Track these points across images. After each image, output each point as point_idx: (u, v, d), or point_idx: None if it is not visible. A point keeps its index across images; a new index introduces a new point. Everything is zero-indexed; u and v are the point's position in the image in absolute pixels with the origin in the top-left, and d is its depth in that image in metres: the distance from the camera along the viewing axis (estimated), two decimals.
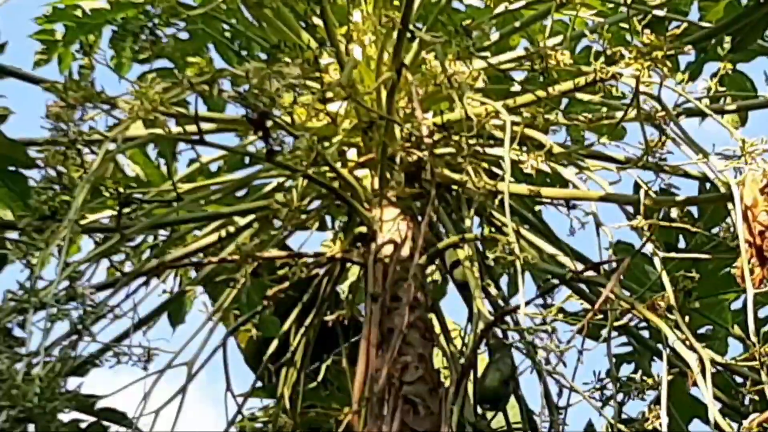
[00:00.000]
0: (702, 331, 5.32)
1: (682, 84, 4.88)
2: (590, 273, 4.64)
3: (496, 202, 4.76)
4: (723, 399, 4.79)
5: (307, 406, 5.06)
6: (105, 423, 4.83)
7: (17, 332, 4.34)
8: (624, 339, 5.33)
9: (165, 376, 4.80)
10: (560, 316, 4.46)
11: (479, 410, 4.66)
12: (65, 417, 4.56)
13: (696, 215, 5.48)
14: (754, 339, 4.27)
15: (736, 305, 5.45)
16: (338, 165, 5.03)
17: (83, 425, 4.90)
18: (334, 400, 5.23)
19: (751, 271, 4.45)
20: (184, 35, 5.85)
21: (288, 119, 4.54)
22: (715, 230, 5.25)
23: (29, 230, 4.35)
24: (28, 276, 4.31)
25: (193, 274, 5.34)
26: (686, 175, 5.11)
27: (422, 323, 4.55)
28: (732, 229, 4.67)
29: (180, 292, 5.34)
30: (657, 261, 4.65)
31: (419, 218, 5.00)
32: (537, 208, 5.57)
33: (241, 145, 5.38)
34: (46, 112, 4.49)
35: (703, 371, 4.29)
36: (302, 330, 5.08)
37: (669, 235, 5.15)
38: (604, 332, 4.62)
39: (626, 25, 5.20)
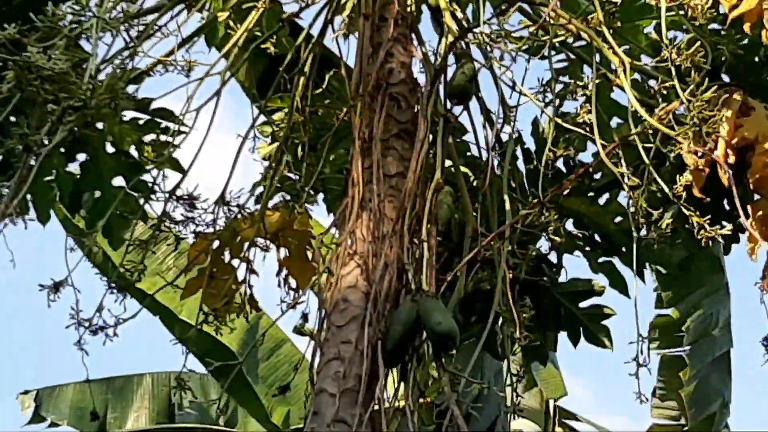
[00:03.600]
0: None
1: None
2: None
3: None
4: (638, 97, 5.04)
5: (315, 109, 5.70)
6: (157, 120, 5.37)
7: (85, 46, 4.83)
8: (562, 56, 5.65)
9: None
10: (512, 36, 5.11)
11: (448, 105, 5.27)
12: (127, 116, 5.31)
13: None
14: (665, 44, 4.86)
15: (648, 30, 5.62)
16: None
17: (140, 122, 5.40)
18: (336, 104, 5.77)
19: None
20: None
21: None
22: None
23: None
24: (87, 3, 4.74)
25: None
26: None
27: (404, 38, 5.25)
28: None
29: (213, 18, 5.74)
30: None
31: None
32: None
33: None
34: None
35: (624, 71, 4.94)
36: (309, 47, 5.65)
37: None
38: (545, 51, 5.32)
39: None
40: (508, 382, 5.33)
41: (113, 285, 5.08)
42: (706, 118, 4.65)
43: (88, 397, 10.39)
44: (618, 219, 5.80)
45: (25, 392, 10.43)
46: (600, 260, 5.93)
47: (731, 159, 5.08)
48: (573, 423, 11.71)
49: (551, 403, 11.63)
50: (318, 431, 4.64)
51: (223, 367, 6.83)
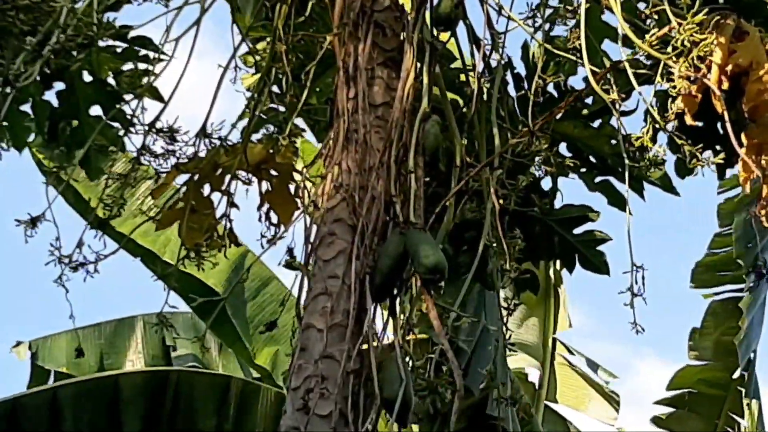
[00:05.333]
0: None
1: None
2: None
3: None
4: (628, 19, 5.12)
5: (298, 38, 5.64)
6: (136, 48, 5.40)
7: None
8: None
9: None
10: None
11: (435, 31, 5.26)
12: (103, 44, 5.32)
13: None
14: None
15: None
16: None
17: (119, 51, 5.42)
18: (321, 32, 5.64)
19: None
20: None
21: None
22: None
23: None
24: None
25: None
26: None
27: None
28: None
29: None
30: None
31: None
32: None
33: None
34: None
35: None
36: None
37: None
38: None
39: None
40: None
41: (92, 222, 5.12)
42: (698, 41, 4.67)
43: (82, 344, 10.44)
44: (613, 142, 5.82)
45: (18, 344, 10.48)
46: (597, 180, 5.96)
47: (725, 85, 5.02)
48: (569, 356, 11.75)
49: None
50: (305, 367, 4.64)
51: (207, 305, 6.86)
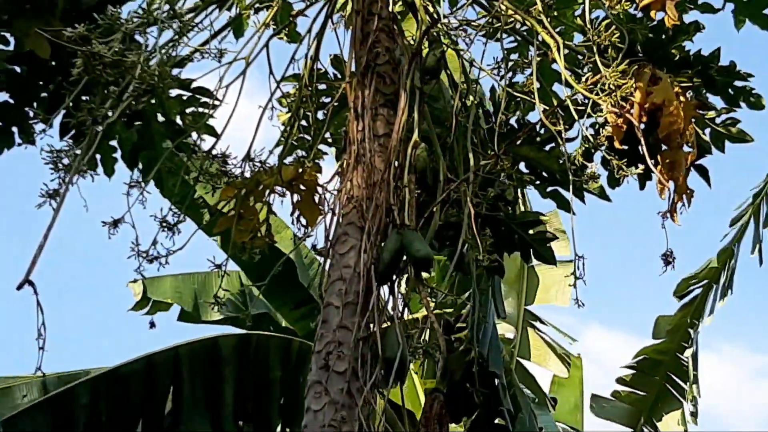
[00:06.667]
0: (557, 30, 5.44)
1: None
2: None
3: None
4: (570, 68, 5.19)
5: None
6: (197, 96, 5.40)
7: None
8: (512, 38, 5.62)
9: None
10: (472, 24, 5.25)
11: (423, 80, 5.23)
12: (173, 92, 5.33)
13: None
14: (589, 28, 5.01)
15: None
16: None
17: (184, 98, 5.43)
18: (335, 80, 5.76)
19: None
20: None
21: None
22: None
23: None
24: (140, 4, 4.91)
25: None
26: None
27: (387, 28, 5.28)
28: None
29: (239, 15, 5.80)
30: None
31: None
32: None
33: None
34: None
35: (558, 50, 5.08)
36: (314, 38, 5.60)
37: None
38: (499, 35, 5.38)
39: None
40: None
41: (164, 223, 5.16)
42: (621, 85, 4.75)
43: (181, 285, 10.44)
44: (560, 161, 5.70)
45: (134, 281, 10.40)
46: (548, 190, 5.91)
47: (644, 118, 5.14)
48: (540, 326, 11.61)
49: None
50: (326, 335, 4.75)
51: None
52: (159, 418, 8.22)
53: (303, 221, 5.46)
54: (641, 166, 5.10)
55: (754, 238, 9.80)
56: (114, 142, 5.54)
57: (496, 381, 6.34)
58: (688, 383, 10.54)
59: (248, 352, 8.54)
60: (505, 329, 10.98)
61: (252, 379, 8.42)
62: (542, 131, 5.50)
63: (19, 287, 4.18)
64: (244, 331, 9.12)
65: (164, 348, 8.42)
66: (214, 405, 8.29)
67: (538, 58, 5.26)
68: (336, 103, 5.69)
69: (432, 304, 4.92)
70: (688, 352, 10.50)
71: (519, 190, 6.04)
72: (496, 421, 6.26)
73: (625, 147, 5.13)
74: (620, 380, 10.81)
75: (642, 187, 5.41)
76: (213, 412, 8.28)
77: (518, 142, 5.43)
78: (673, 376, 10.63)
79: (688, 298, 10.37)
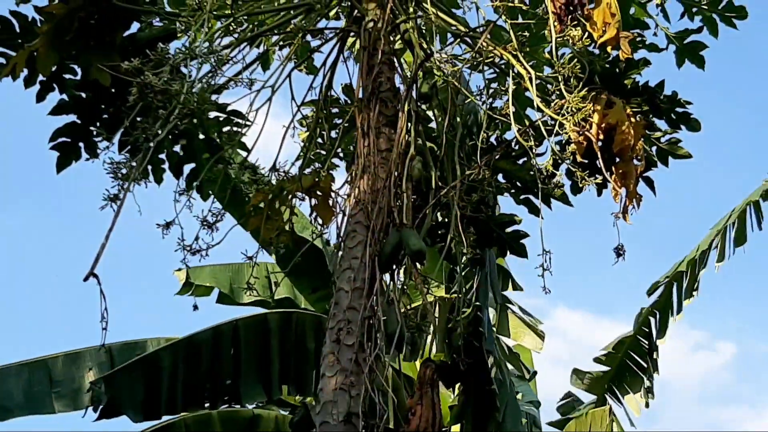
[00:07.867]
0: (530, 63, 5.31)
1: None
2: (471, 33, 5.29)
3: None
4: (540, 95, 5.05)
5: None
6: (232, 117, 5.26)
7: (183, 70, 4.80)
8: (492, 70, 5.48)
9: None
10: (459, 58, 5.21)
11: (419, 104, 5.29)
12: (211, 114, 5.22)
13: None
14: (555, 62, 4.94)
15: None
16: None
17: (221, 119, 5.24)
18: (346, 104, 5.65)
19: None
20: None
21: None
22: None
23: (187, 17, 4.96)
24: (185, 42, 4.90)
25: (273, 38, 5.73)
26: None
27: (389, 61, 5.25)
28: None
29: (266, 51, 5.80)
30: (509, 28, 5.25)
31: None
32: None
33: None
34: None
35: (531, 80, 5.02)
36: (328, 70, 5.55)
37: (514, 13, 5.41)
38: (481, 67, 5.25)
39: None
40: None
41: (204, 222, 5.15)
42: (581, 108, 4.71)
43: (220, 273, 10.28)
44: (531, 173, 5.69)
45: (179, 269, 10.29)
46: (521, 197, 5.77)
47: (601, 136, 5.09)
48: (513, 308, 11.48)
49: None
50: (337, 314, 4.72)
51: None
52: (223, 380, 8.13)
53: (320, 220, 5.44)
54: (599, 177, 5.09)
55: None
56: (162, 156, 5.49)
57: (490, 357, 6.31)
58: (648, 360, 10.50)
59: (290, 326, 8.47)
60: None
61: (293, 348, 8.36)
62: (517, 147, 5.44)
63: (86, 279, 4.12)
64: (286, 310, 9.01)
65: (228, 320, 8.37)
66: (265, 370, 8.23)
67: (514, 87, 5.23)
68: (346, 124, 5.65)
69: (425, 290, 4.85)
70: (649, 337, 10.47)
71: (496, 197, 5.94)
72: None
73: (585, 160, 5.10)
74: (597, 359, 10.75)
75: (599, 193, 5.35)
76: (264, 376, 8.22)
77: (497, 156, 5.36)
78: (634, 355, 10.59)
79: (655, 296, 10.37)
